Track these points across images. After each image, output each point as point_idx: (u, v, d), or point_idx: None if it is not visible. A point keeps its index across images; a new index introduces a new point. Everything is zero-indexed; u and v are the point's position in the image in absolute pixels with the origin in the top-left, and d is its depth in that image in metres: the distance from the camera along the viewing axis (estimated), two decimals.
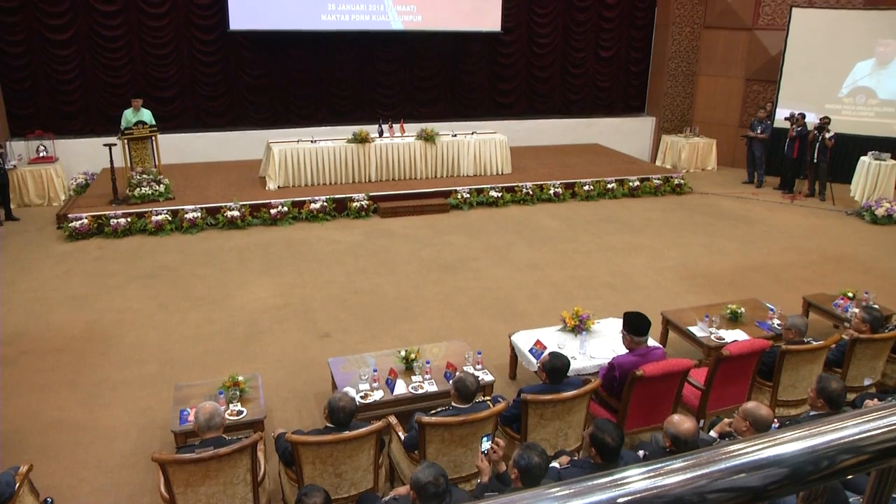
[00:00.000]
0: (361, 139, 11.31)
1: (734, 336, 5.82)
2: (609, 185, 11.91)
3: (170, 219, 9.78)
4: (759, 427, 3.74)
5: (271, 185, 10.98)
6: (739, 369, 4.96)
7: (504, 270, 8.47)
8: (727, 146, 14.53)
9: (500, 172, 12.04)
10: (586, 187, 11.76)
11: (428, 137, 11.61)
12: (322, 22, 12.71)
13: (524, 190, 11.42)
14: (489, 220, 10.54)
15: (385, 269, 8.44)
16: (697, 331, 5.94)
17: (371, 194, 10.67)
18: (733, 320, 6.13)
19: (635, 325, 4.81)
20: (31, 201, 11.23)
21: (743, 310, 6.20)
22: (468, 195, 11.10)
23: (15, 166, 11.15)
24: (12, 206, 10.70)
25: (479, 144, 11.94)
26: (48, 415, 5.46)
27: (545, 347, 5.44)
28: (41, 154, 11.65)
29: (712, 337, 5.83)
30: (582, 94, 15.16)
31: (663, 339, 6.28)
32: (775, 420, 3.98)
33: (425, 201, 10.83)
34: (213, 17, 12.52)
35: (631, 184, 12.04)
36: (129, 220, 9.66)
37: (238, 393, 4.81)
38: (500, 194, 11.24)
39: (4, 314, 7.18)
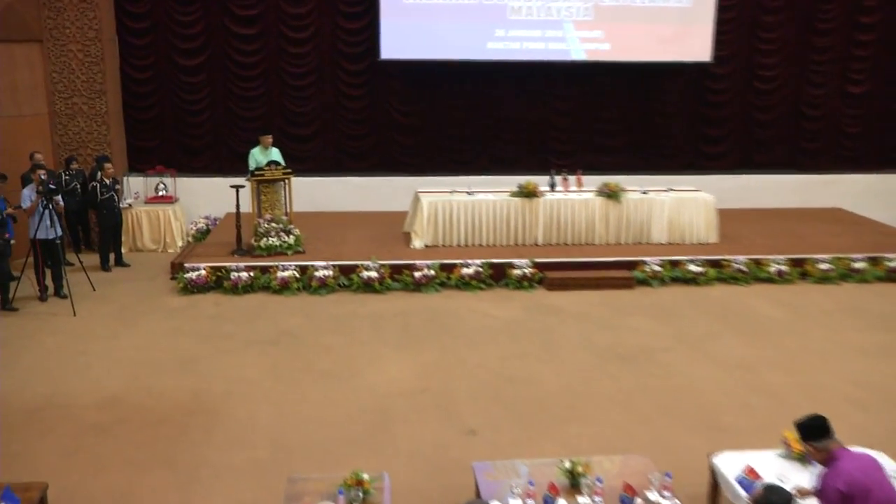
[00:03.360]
0: (528, 193, 11.44)
1: None
2: (856, 265, 11.18)
3: (297, 276, 10.32)
4: None
5: (417, 243, 11.32)
6: None
7: (704, 368, 8.11)
8: None
9: (702, 241, 11.72)
10: (823, 266, 11.11)
11: (611, 194, 11.55)
12: (487, 51, 13.19)
13: (735, 265, 10.99)
14: (686, 301, 10.21)
15: (549, 355, 8.36)
16: None
17: (536, 261, 10.71)
18: None
19: (816, 428, 4.47)
20: (144, 245, 12.34)
21: None
22: (660, 268, 10.84)
23: (130, 205, 12.36)
24: (123, 250, 11.79)
25: (677, 205, 11.71)
26: (139, 497, 5.77)
27: (759, 477, 5.11)
28: (160, 193, 12.83)
29: None
30: (820, 142, 14.49)
31: None
32: None
33: (604, 273, 10.71)
34: (361, 44, 13.37)
35: (890, 264, 11.24)
36: (251, 274, 10.32)
37: (361, 494, 4.84)
38: (701, 269, 10.88)
39: (104, 374, 7.81)
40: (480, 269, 10.55)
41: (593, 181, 11.99)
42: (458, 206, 11.41)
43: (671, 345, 8.73)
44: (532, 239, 11.49)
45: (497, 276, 10.62)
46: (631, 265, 10.91)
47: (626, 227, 11.63)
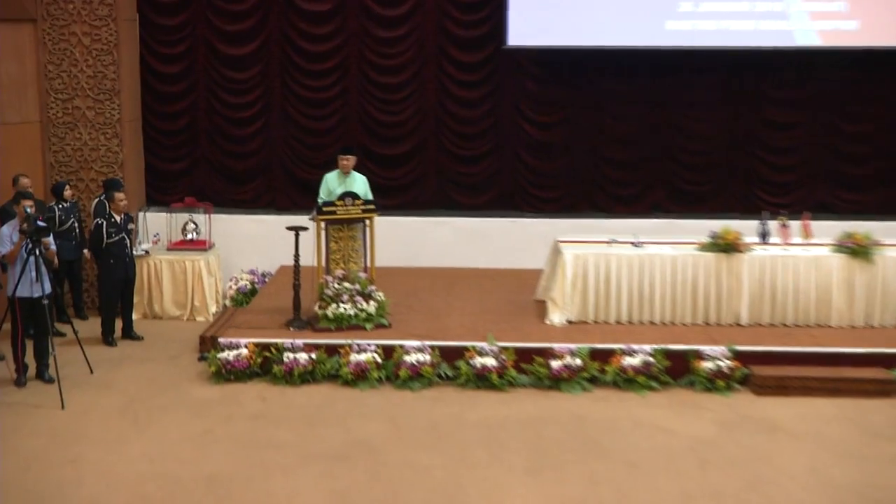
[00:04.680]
0: (727, 246, 11.17)
1: None
2: None
3: (379, 361, 10.25)
4: None
5: (556, 318, 11.20)
6: None
7: None
8: None
9: None
10: None
11: (858, 250, 11.22)
12: (666, 35, 13.13)
13: None
14: None
15: (759, 497, 8.05)
16: None
17: (738, 349, 10.42)
18: None
19: None
20: (163, 311, 12.59)
21: None
22: None
23: (147, 252, 12.62)
24: (135, 316, 12.02)
25: None
26: None
27: None
28: (189, 236, 13.10)
29: None
30: None
31: None
32: None
33: (846, 371, 10.36)
34: (480, 25, 13.50)
35: None
36: (313, 356, 10.28)
37: None
38: None
39: (101, 493, 7.84)
40: (651, 360, 10.29)
41: (829, 229, 11.79)
42: (617, 262, 11.23)
43: None
44: (732, 315, 11.25)
45: (677, 370, 10.36)
46: (890, 360, 10.52)
47: (882, 300, 11.29)
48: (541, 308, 11.59)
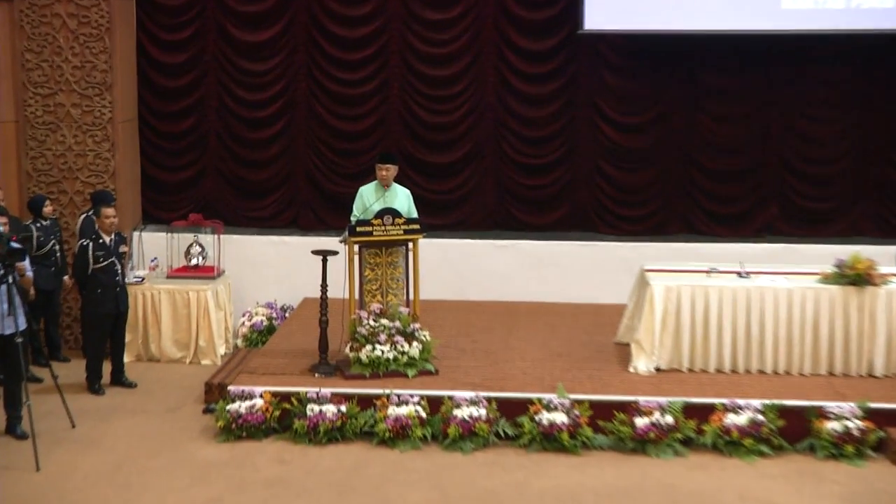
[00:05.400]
0: (857, 277, 10.99)
1: None
2: None
3: (423, 415, 10.17)
4: None
5: (642, 365, 11.09)
6: None
7: None
8: None
9: None
10: None
11: None
12: (782, 14, 13.02)
13: None
14: None
15: None
16: None
17: (872, 406, 10.23)
18: None
19: None
20: (162, 352, 12.58)
21: None
22: None
23: (143, 280, 12.62)
24: (127, 358, 12.00)
25: None
26: None
27: None
28: (194, 261, 13.10)
29: None
30: None
31: None
32: None
33: None
34: (550, 5, 13.51)
35: None
36: (342, 409, 10.20)
37: None
38: None
39: None
40: (761, 418, 10.12)
41: None
42: (719, 297, 11.10)
43: None
44: (863, 365, 11.07)
45: (794, 431, 10.18)
46: None
47: None
48: (623, 352, 11.49)
